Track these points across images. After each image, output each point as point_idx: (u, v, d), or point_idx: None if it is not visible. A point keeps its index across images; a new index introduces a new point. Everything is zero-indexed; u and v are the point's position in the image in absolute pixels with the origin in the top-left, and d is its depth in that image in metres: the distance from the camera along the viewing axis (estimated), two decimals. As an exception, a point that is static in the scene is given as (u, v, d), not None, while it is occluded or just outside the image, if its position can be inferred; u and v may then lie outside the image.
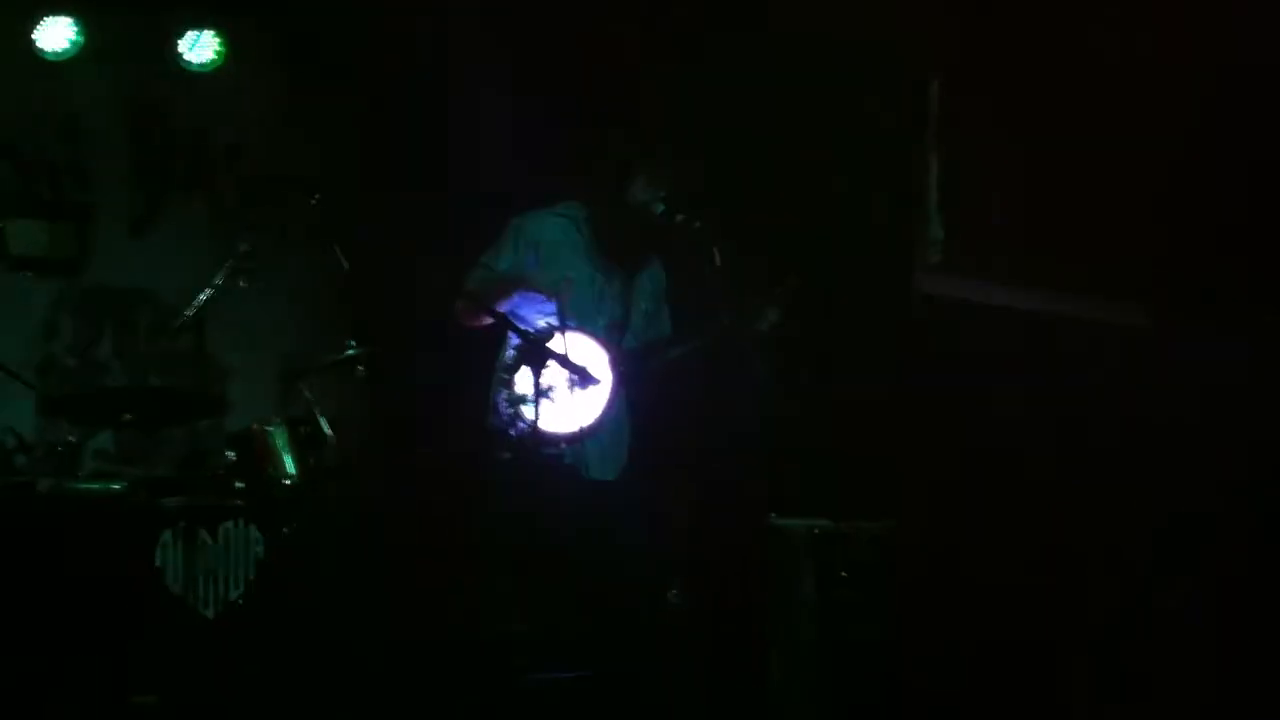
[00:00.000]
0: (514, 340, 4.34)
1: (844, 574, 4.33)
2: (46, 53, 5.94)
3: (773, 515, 4.66)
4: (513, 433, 4.33)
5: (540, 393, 4.24)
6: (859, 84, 5.04)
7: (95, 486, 4.84)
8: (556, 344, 4.22)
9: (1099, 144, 4.61)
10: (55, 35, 5.94)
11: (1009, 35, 4.77)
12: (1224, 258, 4.51)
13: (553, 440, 4.36)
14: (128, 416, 5.21)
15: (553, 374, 4.28)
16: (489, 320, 4.47)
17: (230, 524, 5.01)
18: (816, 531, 4.39)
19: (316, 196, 5.41)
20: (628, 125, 4.75)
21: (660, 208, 4.53)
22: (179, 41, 6.17)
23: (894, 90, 5.01)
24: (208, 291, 5.22)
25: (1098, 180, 4.62)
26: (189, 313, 5.28)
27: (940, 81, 4.90)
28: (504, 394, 4.43)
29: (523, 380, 4.32)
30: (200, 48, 6.18)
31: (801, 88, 5.25)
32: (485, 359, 4.85)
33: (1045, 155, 4.70)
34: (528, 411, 4.24)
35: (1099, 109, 4.62)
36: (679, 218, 4.50)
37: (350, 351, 5.34)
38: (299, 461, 5.21)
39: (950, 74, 4.91)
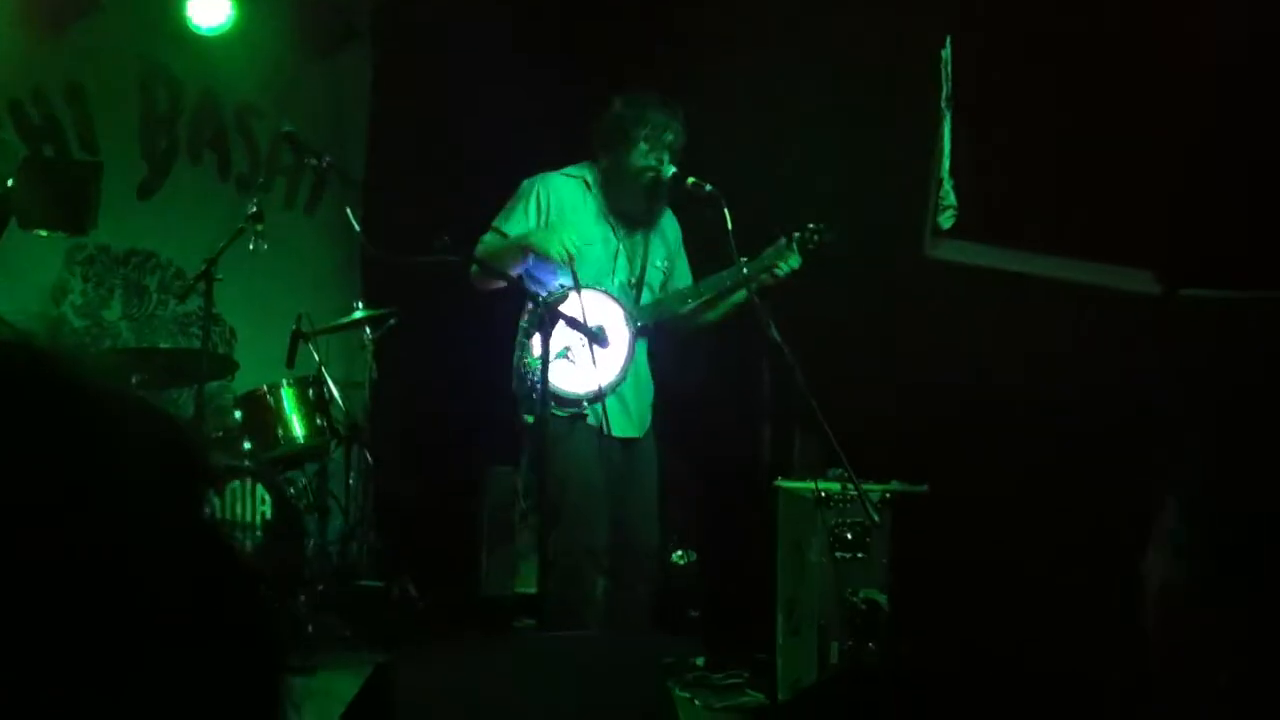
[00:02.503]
0: (529, 305, 4.36)
1: (849, 537, 4.33)
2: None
3: (779, 478, 4.66)
4: (533, 396, 4.35)
5: (558, 354, 4.30)
6: (873, 50, 5.02)
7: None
8: (570, 305, 4.23)
9: (1117, 108, 4.59)
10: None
11: (1025, 1, 4.75)
12: (1237, 228, 4.49)
13: (574, 400, 4.41)
14: (136, 378, 5.22)
15: (569, 335, 4.31)
16: (502, 284, 4.49)
17: (237, 484, 5.03)
18: (823, 495, 4.38)
19: (326, 159, 5.41)
20: (627, 91, 4.73)
21: (669, 171, 4.55)
22: (188, 4, 6.14)
23: (908, 55, 4.98)
24: (216, 254, 5.23)
25: (1112, 147, 4.60)
26: (197, 274, 5.29)
27: (955, 46, 4.88)
28: (525, 357, 4.46)
29: (539, 343, 4.34)
30: (210, 10, 6.14)
31: (814, 53, 5.22)
32: (493, 325, 4.86)
33: (1060, 119, 4.68)
34: (547, 373, 4.27)
35: (1114, 75, 4.60)
36: (690, 181, 4.51)
37: (358, 314, 5.36)
38: (306, 423, 5.24)
39: (965, 39, 4.88)
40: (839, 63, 5.13)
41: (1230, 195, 4.49)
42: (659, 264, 4.77)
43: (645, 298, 4.73)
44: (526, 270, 4.51)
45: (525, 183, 4.71)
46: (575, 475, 4.46)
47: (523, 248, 4.52)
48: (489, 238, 4.64)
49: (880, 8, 5.05)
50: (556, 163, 4.90)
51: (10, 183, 4.59)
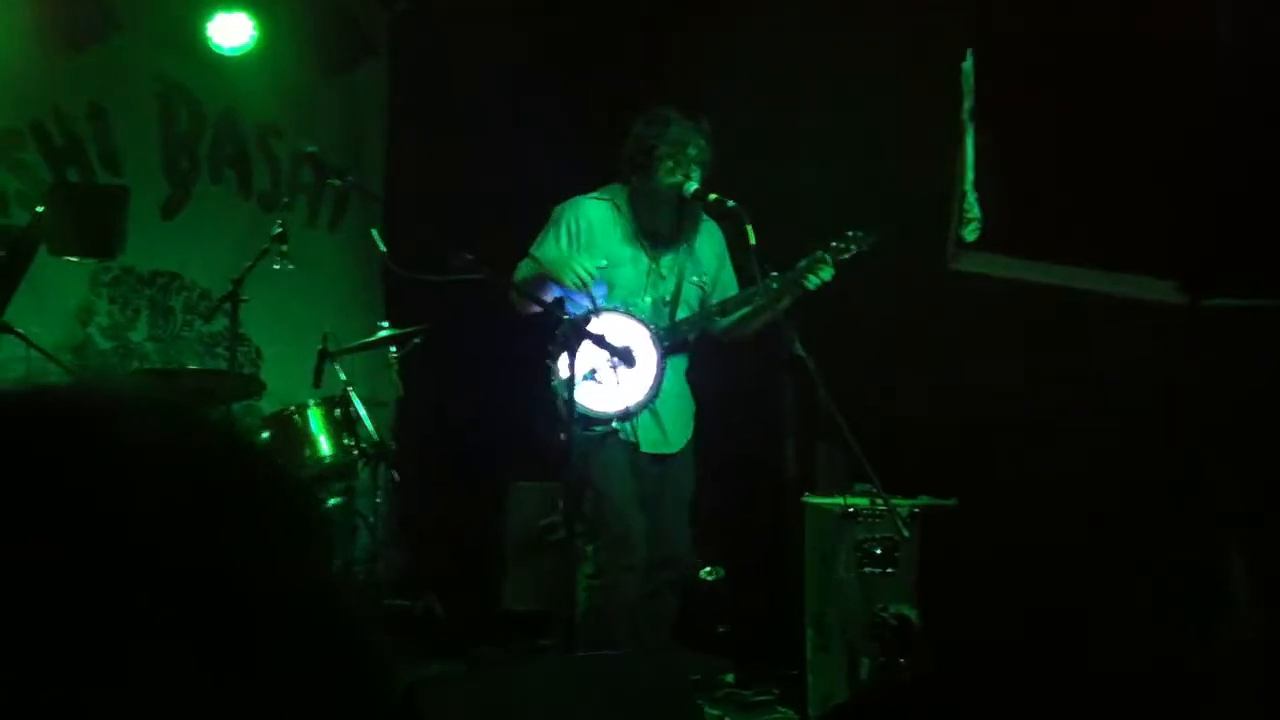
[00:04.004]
0: (555, 326, 4.38)
1: (878, 551, 4.33)
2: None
3: (807, 494, 4.67)
4: (563, 414, 4.38)
5: (586, 375, 4.33)
6: (893, 61, 5.02)
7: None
8: (595, 326, 4.25)
9: (1141, 117, 4.58)
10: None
11: (1047, 9, 4.74)
12: (1263, 238, 4.48)
13: (603, 419, 4.43)
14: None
15: (595, 356, 4.34)
16: (540, 310, 4.51)
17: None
18: (851, 510, 4.39)
19: (348, 178, 5.43)
20: (649, 109, 4.74)
21: (691, 187, 4.55)
22: (209, 25, 6.17)
23: (929, 67, 4.98)
24: (241, 274, 5.25)
25: (1135, 156, 4.59)
26: (223, 295, 5.30)
27: (976, 58, 4.88)
28: (551, 378, 4.48)
29: (565, 364, 4.36)
30: (231, 31, 6.17)
31: (835, 65, 5.23)
32: (517, 343, 4.87)
33: (1083, 129, 4.67)
34: (575, 393, 4.29)
35: (1138, 83, 4.59)
36: (712, 197, 4.51)
37: (383, 333, 5.37)
38: (333, 442, 5.25)
39: (986, 50, 4.88)
40: (860, 74, 5.13)
41: (1258, 201, 4.47)
42: (695, 279, 4.77)
43: (682, 314, 4.74)
44: (563, 294, 4.54)
45: (556, 209, 4.74)
46: (609, 492, 4.48)
47: (544, 275, 4.56)
48: (525, 265, 4.68)
49: (901, 19, 5.05)
50: (576, 176, 4.91)
51: (39, 209, 4.62)
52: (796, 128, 5.38)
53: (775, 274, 4.50)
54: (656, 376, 4.53)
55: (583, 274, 4.46)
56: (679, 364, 4.70)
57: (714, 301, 4.73)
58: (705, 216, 4.71)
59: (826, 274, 4.50)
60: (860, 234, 4.54)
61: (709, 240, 4.78)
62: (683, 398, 4.73)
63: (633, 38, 5.87)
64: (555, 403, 4.44)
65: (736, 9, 5.57)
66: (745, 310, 4.66)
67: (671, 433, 4.67)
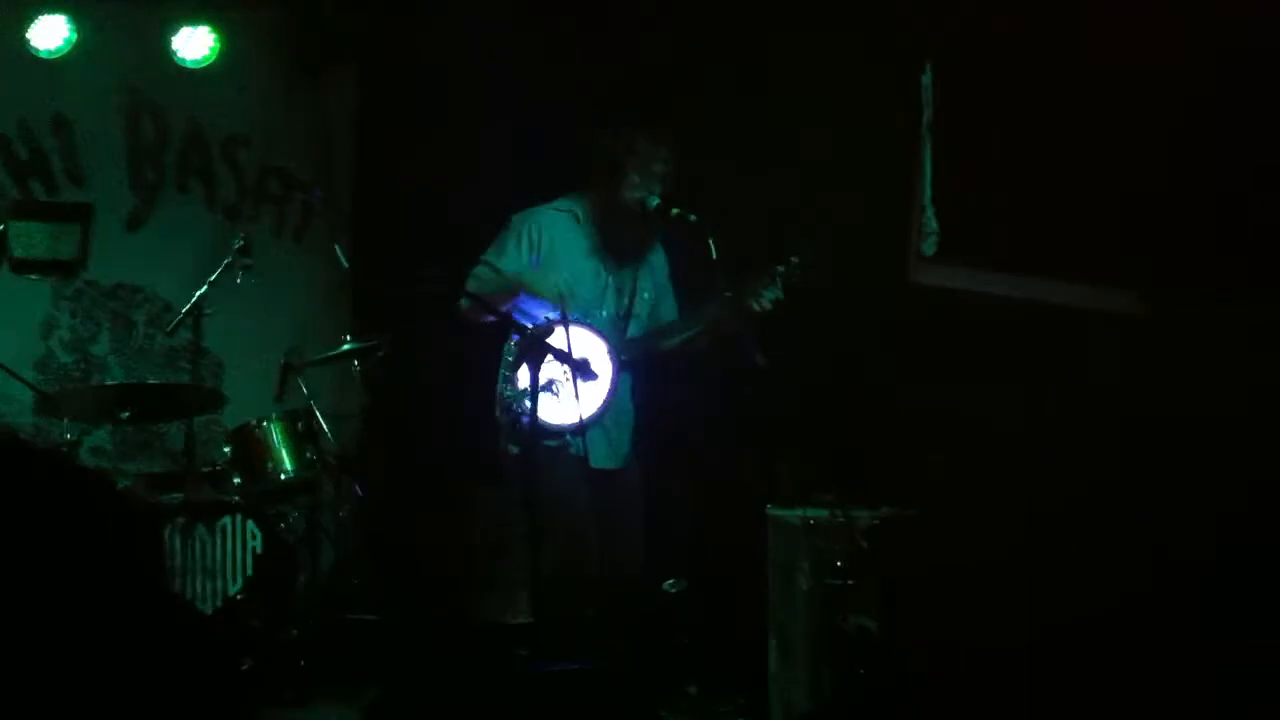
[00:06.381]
0: (515, 336, 4.36)
1: (840, 564, 4.34)
2: (40, 51, 5.92)
3: (769, 505, 4.68)
4: (517, 426, 4.37)
5: (543, 386, 4.29)
6: (852, 75, 5.04)
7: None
8: (556, 338, 4.24)
9: (1096, 131, 4.61)
10: (49, 33, 5.91)
11: (1003, 22, 4.77)
12: (1221, 248, 4.52)
13: (556, 431, 4.42)
14: (125, 413, 5.22)
15: (553, 367, 4.32)
16: (492, 319, 4.49)
17: (228, 519, 5.03)
18: (813, 521, 4.40)
19: (315, 193, 5.42)
20: (615, 122, 4.74)
21: (654, 201, 4.56)
22: (173, 37, 6.16)
23: (887, 81, 5.01)
24: (204, 286, 5.24)
25: (1094, 168, 4.63)
26: (186, 308, 5.29)
27: (934, 71, 4.91)
28: (507, 389, 4.48)
29: (525, 375, 4.35)
30: (194, 43, 6.16)
31: (794, 79, 5.25)
32: (483, 355, 4.87)
33: (1041, 143, 4.70)
34: (536, 404, 4.28)
35: (1096, 95, 4.62)
36: (674, 211, 4.52)
37: (346, 346, 5.36)
38: (296, 456, 5.24)
39: (944, 63, 4.91)
40: (821, 89, 5.16)
41: (1214, 212, 4.51)
42: (646, 296, 4.79)
43: (633, 329, 4.75)
44: (515, 305, 4.52)
45: (515, 217, 4.72)
46: (561, 504, 4.47)
47: (515, 286, 4.54)
48: (480, 271, 4.65)
49: (860, 32, 5.07)
50: (542, 190, 4.91)
51: (1, 227, 4.61)
52: (757, 141, 5.40)
53: (728, 293, 4.51)
54: (611, 390, 4.54)
55: (562, 287, 4.48)
56: (625, 379, 4.71)
57: (653, 324, 4.75)
58: (658, 238, 4.73)
59: (772, 296, 4.53)
60: (798, 261, 4.56)
61: (658, 261, 4.81)
62: (627, 412, 4.74)
63: (607, 52, 5.88)
64: (508, 413, 4.44)
65: (701, 20, 5.60)
66: (687, 334, 4.68)
67: (618, 447, 4.69)
